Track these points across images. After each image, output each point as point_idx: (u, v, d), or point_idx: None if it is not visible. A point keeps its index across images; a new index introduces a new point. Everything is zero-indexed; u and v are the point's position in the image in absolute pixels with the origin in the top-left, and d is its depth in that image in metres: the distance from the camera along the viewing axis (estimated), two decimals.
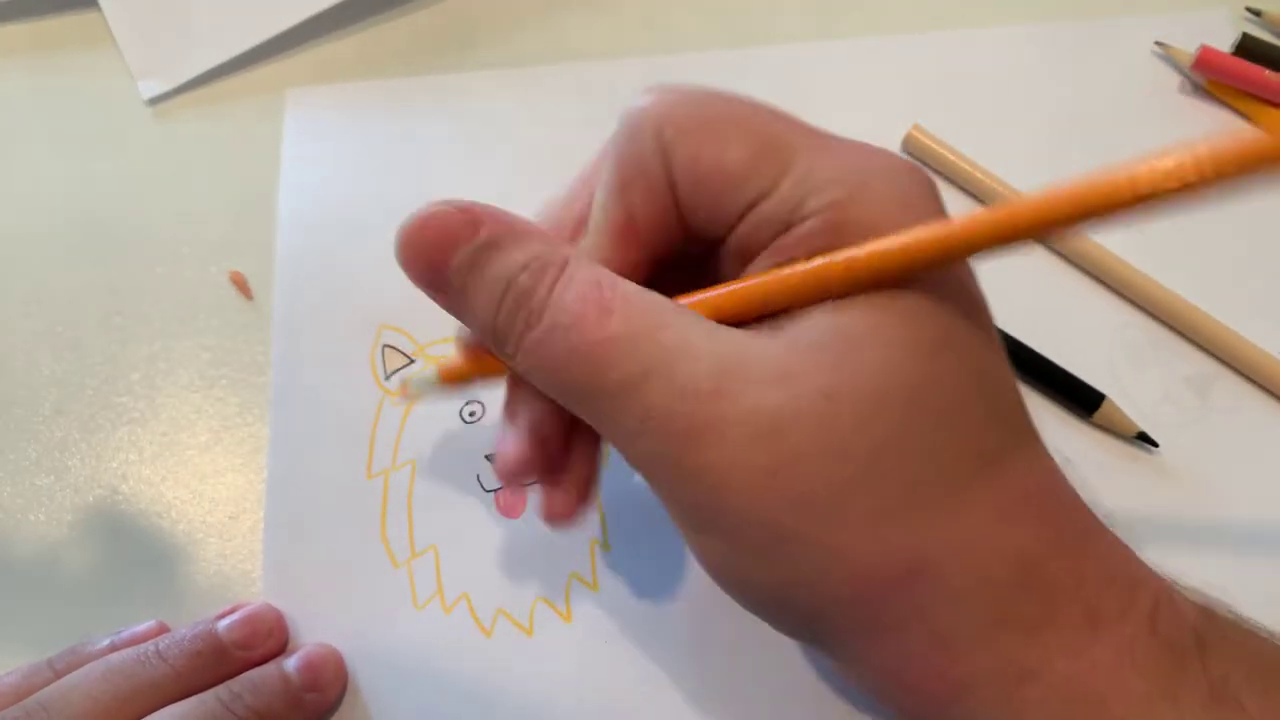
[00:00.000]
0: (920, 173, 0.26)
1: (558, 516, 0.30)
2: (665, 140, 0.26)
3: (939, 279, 0.25)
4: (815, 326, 0.24)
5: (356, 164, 0.46)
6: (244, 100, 0.48)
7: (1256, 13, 0.48)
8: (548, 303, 0.25)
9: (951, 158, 0.44)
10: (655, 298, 0.25)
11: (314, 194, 0.45)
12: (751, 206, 0.26)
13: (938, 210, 0.26)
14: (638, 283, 0.26)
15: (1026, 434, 0.26)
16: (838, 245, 0.24)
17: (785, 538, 0.24)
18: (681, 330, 0.24)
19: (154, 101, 0.48)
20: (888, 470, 0.23)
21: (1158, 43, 0.47)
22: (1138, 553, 0.26)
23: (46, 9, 0.50)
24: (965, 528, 0.24)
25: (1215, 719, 0.23)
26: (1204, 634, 0.24)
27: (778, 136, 0.26)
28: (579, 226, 0.29)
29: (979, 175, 0.43)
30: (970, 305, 0.26)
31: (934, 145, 0.44)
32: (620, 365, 0.24)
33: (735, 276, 0.26)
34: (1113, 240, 0.42)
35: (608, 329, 0.24)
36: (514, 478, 0.29)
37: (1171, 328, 0.41)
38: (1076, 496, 0.26)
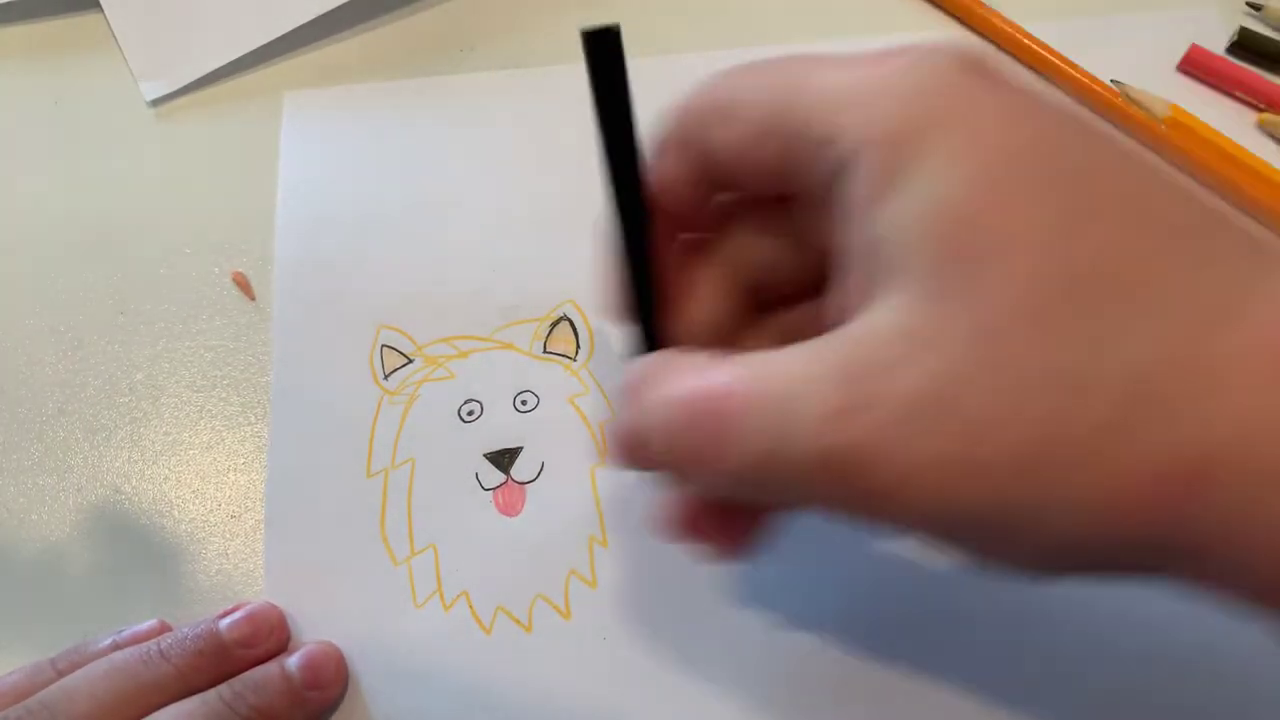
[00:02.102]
0: (955, 54, 0.22)
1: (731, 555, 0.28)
2: (694, 125, 0.27)
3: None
4: (913, 274, 0.21)
5: (354, 166, 0.46)
6: (246, 101, 0.48)
7: (1256, 7, 0.48)
8: (655, 415, 0.24)
9: None
10: (742, 358, 0.23)
11: (312, 196, 0.45)
12: (784, 158, 0.24)
13: (971, 85, 0.22)
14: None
15: (1265, 258, 0.21)
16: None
17: (1010, 511, 0.20)
18: (788, 366, 0.22)
19: (156, 103, 0.48)
20: (1097, 379, 0.19)
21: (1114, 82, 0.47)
22: None
23: (49, 11, 0.50)
24: (1230, 405, 0.19)
25: None
26: None
27: (796, 80, 0.24)
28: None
29: None
30: (1125, 164, 0.21)
31: None
32: (752, 434, 0.22)
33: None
34: None
35: (720, 408, 0.22)
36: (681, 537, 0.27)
37: None
38: None
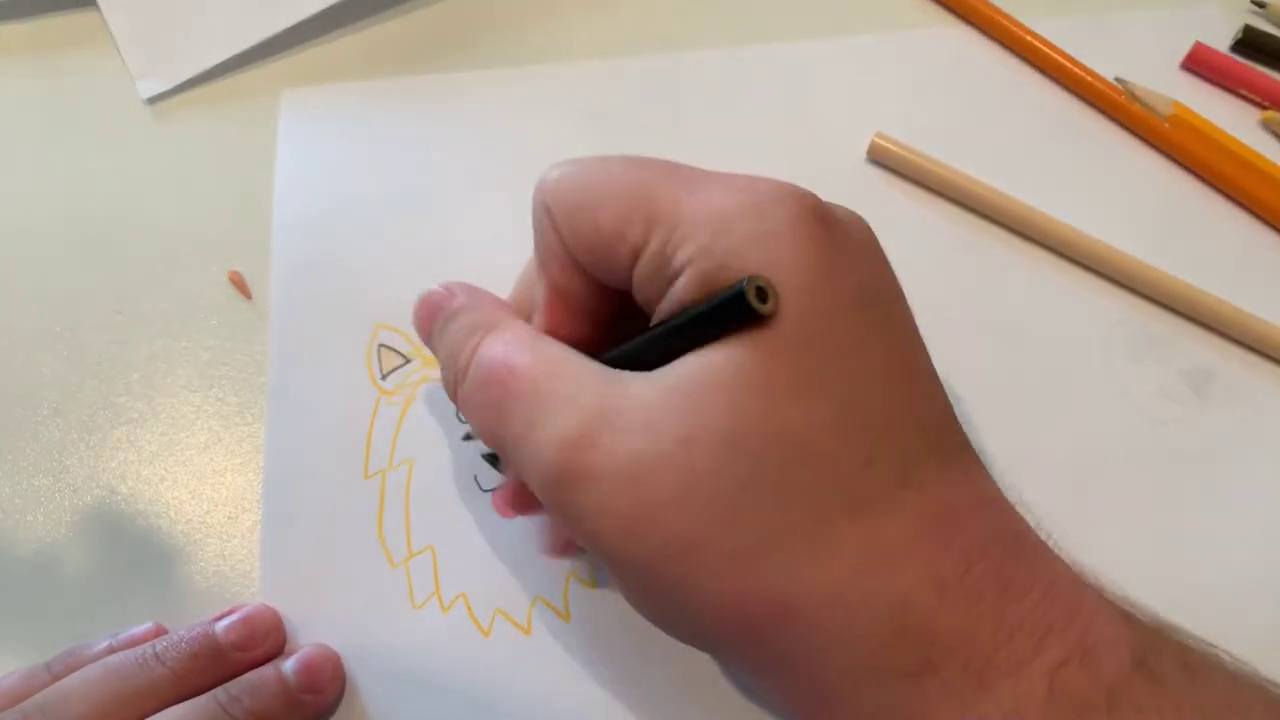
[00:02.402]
0: (793, 198, 0.26)
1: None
2: (554, 217, 0.28)
3: (818, 310, 0.24)
4: (685, 368, 0.25)
5: (351, 165, 0.46)
6: (243, 99, 0.48)
7: (1261, 4, 0.47)
8: (471, 362, 0.29)
9: (918, 161, 0.44)
10: (564, 354, 0.28)
11: (309, 195, 0.45)
12: (633, 264, 0.27)
13: (808, 236, 0.25)
14: (591, 340, 0.29)
15: (926, 467, 0.25)
16: (707, 294, 0.25)
17: (655, 581, 0.25)
18: (576, 379, 0.26)
19: (153, 101, 0.48)
20: (743, 516, 0.24)
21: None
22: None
23: (45, 8, 0.50)
24: (831, 574, 0.24)
25: None
26: (1123, 690, 0.23)
27: (646, 193, 0.26)
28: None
29: (947, 175, 0.43)
30: (858, 338, 0.25)
31: (899, 151, 0.44)
32: (516, 418, 0.27)
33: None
34: (1107, 232, 0.42)
35: (510, 385, 0.27)
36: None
37: (1173, 312, 0.42)
38: (1000, 526, 0.25)
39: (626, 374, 0.26)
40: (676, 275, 0.25)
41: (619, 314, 0.30)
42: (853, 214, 0.27)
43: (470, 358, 0.29)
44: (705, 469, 0.24)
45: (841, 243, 0.26)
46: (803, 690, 0.25)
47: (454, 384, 0.30)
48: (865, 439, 0.24)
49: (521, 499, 0.33)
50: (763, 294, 0.24)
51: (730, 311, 0.24)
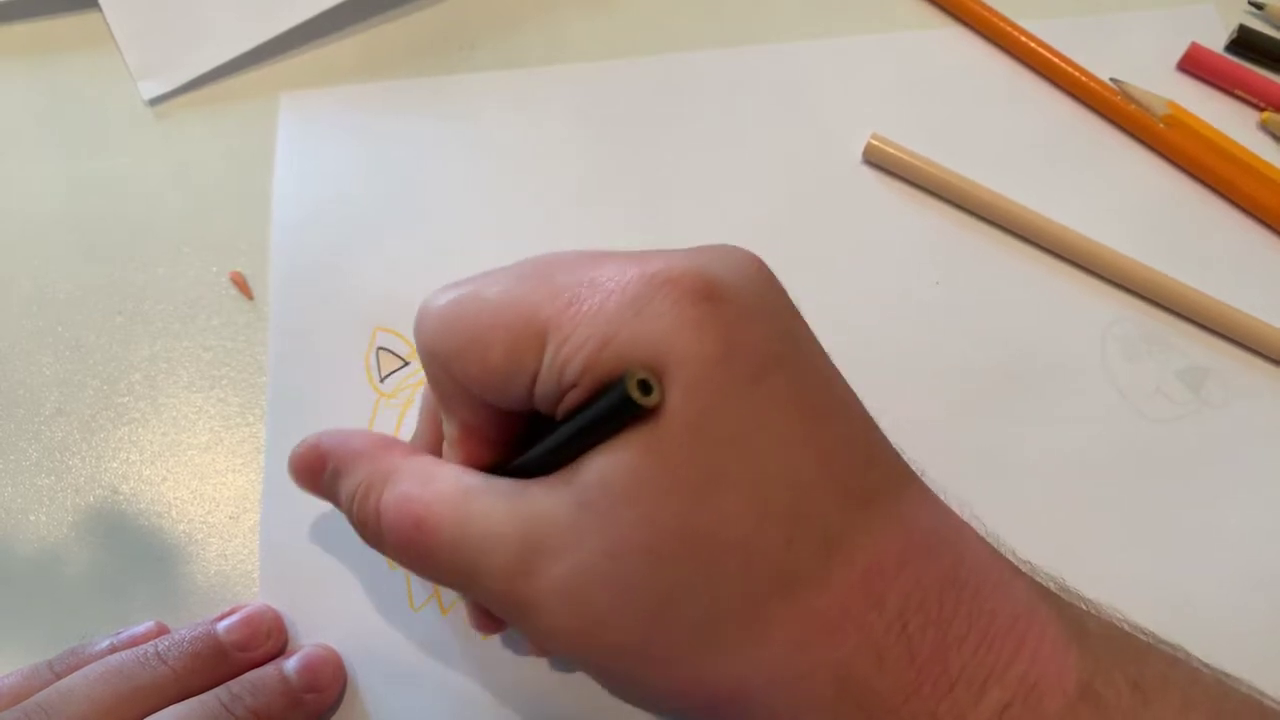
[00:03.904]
0: (671, 284, 0.25)
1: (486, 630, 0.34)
2: (443, 364, 0.28)
3: (711, 397, 0.24)
4: (589, 475, 0.25)
5: (351, 167, 0.46)
6: (245, 100, 0.48)
7: (1259, 5, 0.47)
8: (380, 524, 0.29)
9: (913, 162, 0.44)
10: (464, 485, 0.28)
11: (308, 197, 0.45)
12: (530, 389, 0.27)
13: (693, 323, 0.24)
14: (508, 457, 0.29)
15: (850, 529, 0.25)
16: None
17: (613, 677, 0.27)
18: (487, 513, 0.27)
19: (154, 102, 0.48)
20: (678, 618, 0.24)
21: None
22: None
23: (47, 10, 0.50)
24: (770, 655, 0.24)
25: None
26: None
27: (528, 316, 0.26)
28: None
29: (942, 176, 0.44)
30: (759, 416, 0.24)
31: (894, 152, 0.44)
32: (450, 569, 0.28)
33: None
34: (1102, 232, 0.42)
35: (427, 540, 0.28)
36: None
37: (1170, 312, 0.42)
38: (933, 571, 0.25)
39: (533, 488, 0.26)
40: (571, 387, 0.25)
41: (529, 424, 0.29)
42: (744, 267, 0.27)
43: (379, 520, 0.29)
44: (633, 580, 0.24)
45: (729, 317, 0.25)
46: None
47: (376, 545, 0.30)
48: (781, 520, 0.24)
49: (488, 619, 0.33)
50: (646, 386, 0.23)
51: (617, 410, 0.24)
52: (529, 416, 0.29)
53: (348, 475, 0.31)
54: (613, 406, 0.24)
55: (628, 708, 0.35)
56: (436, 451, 0.32)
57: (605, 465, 0.25)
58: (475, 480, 0.28)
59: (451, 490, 0.28)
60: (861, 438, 0.26)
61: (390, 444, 0.32)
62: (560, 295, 0.26)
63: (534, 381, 0.26)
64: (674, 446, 0.24)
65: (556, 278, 0.26)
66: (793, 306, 0.27)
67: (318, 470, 0.33)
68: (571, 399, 0.25)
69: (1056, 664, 0.24)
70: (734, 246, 0.27)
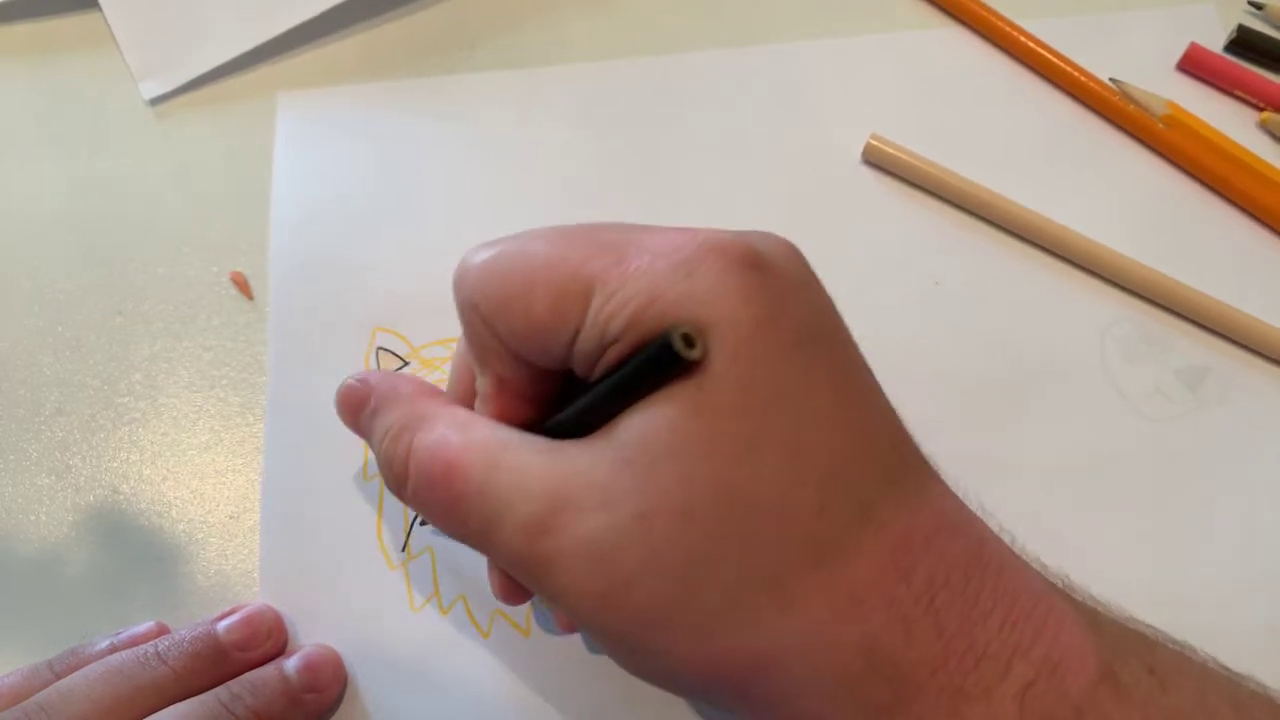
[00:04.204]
0: (720, 251, 0.25)
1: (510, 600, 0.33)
2: (484, 316, 0.28)
3: (755, 361, 0.24)
4: (628, 434, 0.25)
5: (349, 167, 0.46)
6: (245, 100, 0.48)
7: (1259, 5, 0.47)
8: (409, 466, 0.29)
9: (913, 162, 0.44)
10: (499, 437, 0.28)
11: (307, 197, 0.45)
12: (571, 345, 0.26)
13: (740, 287, 0.25)
14: (539, 418, 0.29)
15: (881, 503, 0.25)
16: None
17: (634, 647, 0.26)
18: (519, 467, 0.26)
19: (155, 102, 0.48)
20: (708, 582, 0.24)
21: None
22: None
23: (47, 10, 0.50)
24: (800, 624, 0.24)
25: None
26: (1090, 704, 0.24)
27: (575, 272, 0.26)
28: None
29: (942, 175, 0.44)
30: (800, 382, 0.25)
31: (893, 152, 0.44)
32: (472, 516, 0.27)
33: None
34: (1102, 232, 0.42)
35: (454, 486, 0.27)
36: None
37: (1168, 311, 0.42)
38: (959, 549, 0.25)
39: (569, 447, 0.26)
40: (610, 345, 0.25)
41: (562, 386, 0.30)
42: (785, 248, 0.27)
43: (406, 462, 0.29)
44: (665, 542, 0.24)
45: (775, 287, 0.25)
46: None
47: (398, 489, 0.30)
48: (817, 486, 0.24)
49: (512, 586, 0.33)
50: (690, 340, 0.23)
51: (660, 362, 0.24)
52: (562, 380, 0.29)
53: (385, 413, 0.31)
54: (656, 358, 0.24)
55: (628, 707, 0.35)
56: (468, 407, 0.32)
57: (647, 421, 0.25)
58: (511, 434, 0.28)
59: (486, 439, 0.28)
60: (891, 419, 0.27)
61: (433, 392, 0.32)
62: (608, 252, 0.26)
63: (575, 338, 0.26)
64: (718, 406, 0.24)
65: (603, 237, 0.27)
66: (826, 292, 0.27)
67: (360, 406, 0.32)
68: (613, 354, 0.25)
69: (1077, 647, 0.24)
70: (770, 232, 0.27)
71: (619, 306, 0.25)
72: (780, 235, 0.27)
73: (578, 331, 0.26)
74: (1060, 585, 0.27)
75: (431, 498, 0.28)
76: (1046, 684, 0.24)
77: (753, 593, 0.24)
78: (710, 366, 0.24)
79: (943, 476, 0.27)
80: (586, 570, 0.25)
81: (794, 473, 0.24)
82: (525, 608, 0.37)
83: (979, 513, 0.27)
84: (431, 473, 0.28)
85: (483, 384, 0.30)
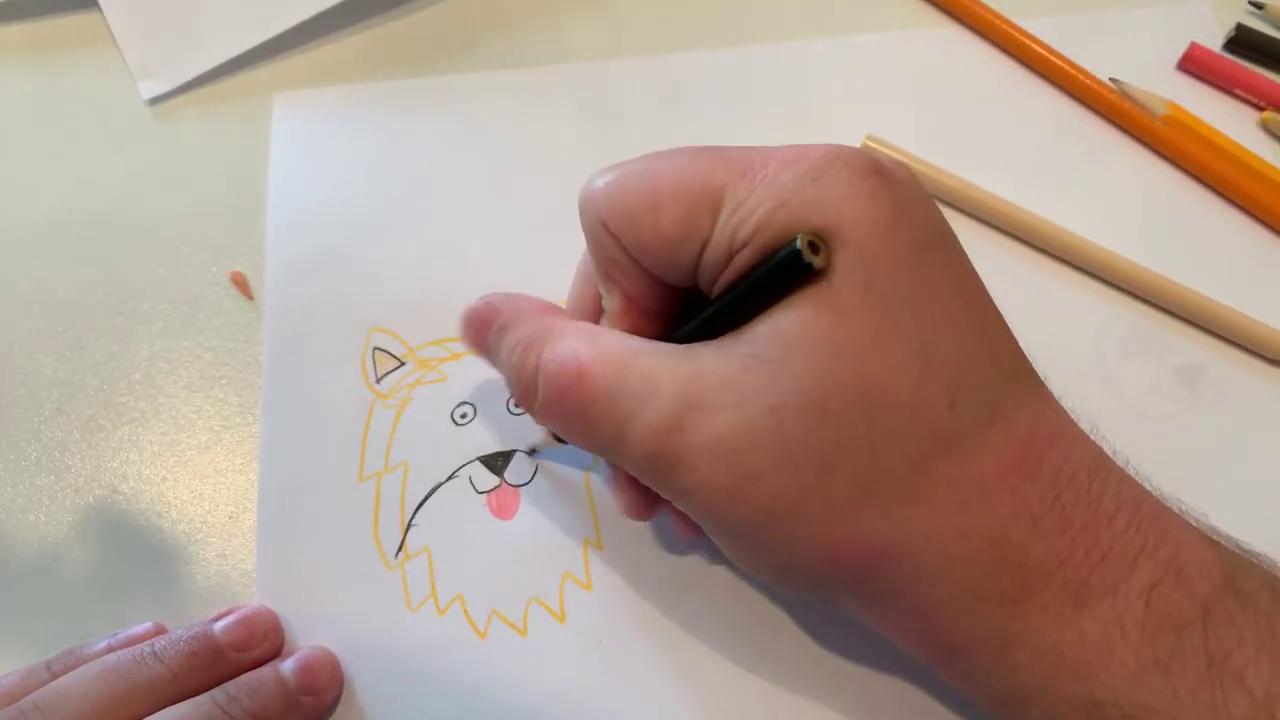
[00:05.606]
0: (845, 158, 0.26)
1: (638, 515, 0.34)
2: (613, 231, 0.28)
3: (883, 261, 0.25)
4: (759, 335, 0.26)
5: (346, 167, 0.46)
6: (244, 100, 0.48)
7: (1259, 5, 0.47)
8: (539, 378, 0.30)
9: (910, 162, 0.44)
10: (628, 345, 0.28)
11: (304, 198, 0.45)
12: (700, 256, 0.27)
13: (865, 192, 0.26)
14: (661, 333, 0.30)
15: (1006, 401, 0.26)
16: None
17: (762, 539, 0.27)
18: (649, 371, 0.27)
19: (154, 102, 0.48)
20: (839, 472, 0.25)
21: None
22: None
23: (47, 9, 0.50)
24: (929, 514, 0.25)
25: (1211, 691, 0.24)
26: (1215, 606, 0.25)
27: (702, 185, 0.27)
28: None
29: (938, 176, 0.44)
30: (925, 284, 0.26)
31: (889, 152, 0.44)
32: (604, 420, 0.28)
33: None
34: (1101, 232, 0.42)
35: (585, 392, 0.28)
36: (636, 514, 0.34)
37: (1166, 311, 0.42)
38: (1081, 453, 0.26)
39: (699, 349, 0.27)
40: (738, 251, 0.26)
41: (686, 306, 0.30)
42: (901, 165, 0.28)
43: (536, 373, 0.30)
44: (797, 434, 0.25)
45: (898, 194, 0.26)
46: (909, 619, 0.27)
47: (526, 401, 0.31)
48: (946, 382, 0.25)
49: (639, 499, 0.33)
50: (815, 247, 0.25)
51: (787, 266, 0.25)
52: (686, 298, 0.30)
53: (513, 330, 0.32)
54: (783, 264, 0.25)
55: (625, 706, 0.35)
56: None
57: (779, 320, 0.26)
58: (640, 343, 0.29)
59: (616, 348, 0.29)
60: (1009, 332, 0.28)
61: (557, 309, 0.34)
62: (734, 165, 0.27)
63: (703, 250, 0.27)
64: (847, 303, 0.25)
65: (727, 154, 0.28)
66: (939, 209, 0.28)
67: (487, 325, 0.33)
68: (742, 259, 0.26)
69: (1200, 556, 0.25)
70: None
71: (749, 213, 0.26)
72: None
73: (705, 243, 0.27)
74: (1174, 507, 0.28)
75: (562, 407, 0.29)
76: (1172, 586, 0.25)
77: (883, 482, 0.25)
78: (837, 267, 0.25)
79: None
80: (716, 466, 0.26)
81: (924, 369, 0.25)
82: (523, 609, 0.37)
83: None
84: (562, 383, 0.29)
85: (609, 303, 0.31)
